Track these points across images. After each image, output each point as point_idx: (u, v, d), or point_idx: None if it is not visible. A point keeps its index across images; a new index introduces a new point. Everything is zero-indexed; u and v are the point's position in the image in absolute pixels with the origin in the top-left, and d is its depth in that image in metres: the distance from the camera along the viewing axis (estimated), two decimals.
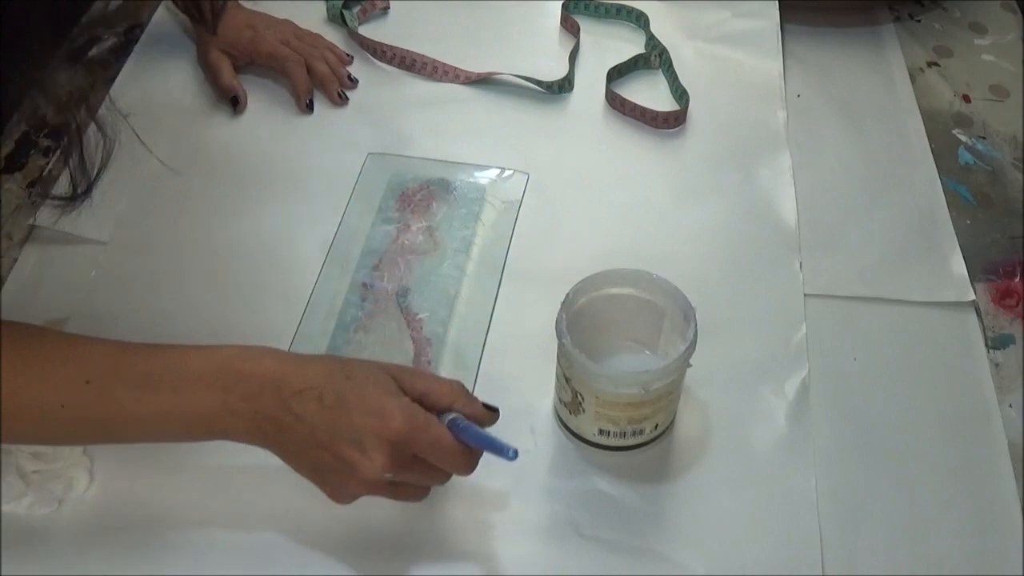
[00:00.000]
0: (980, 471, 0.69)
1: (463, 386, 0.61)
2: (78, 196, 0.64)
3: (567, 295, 0.66)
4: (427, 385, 0.59)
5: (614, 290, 0.68)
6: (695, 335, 0.63)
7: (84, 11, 1.04)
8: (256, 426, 0.57)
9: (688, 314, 0.65)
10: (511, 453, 0.56)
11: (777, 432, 0.70)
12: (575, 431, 0.69)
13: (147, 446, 0.68)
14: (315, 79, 0.93)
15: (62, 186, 0.85)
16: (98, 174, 0.63)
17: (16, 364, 0.56)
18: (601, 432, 0.67)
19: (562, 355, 0.65)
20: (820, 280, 0.79)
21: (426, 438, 0.57)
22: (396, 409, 0.56)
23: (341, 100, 0.93)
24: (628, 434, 0.66)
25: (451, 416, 0.59)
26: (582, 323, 0.66)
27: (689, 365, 0.64)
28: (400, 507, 0.66)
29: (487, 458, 0.68)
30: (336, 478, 0.58)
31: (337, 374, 0.57)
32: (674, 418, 0.70)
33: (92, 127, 0.62)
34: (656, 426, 0.67)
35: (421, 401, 0.58)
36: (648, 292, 0.68)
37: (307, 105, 0.92)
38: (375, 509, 0.66)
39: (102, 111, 0.64)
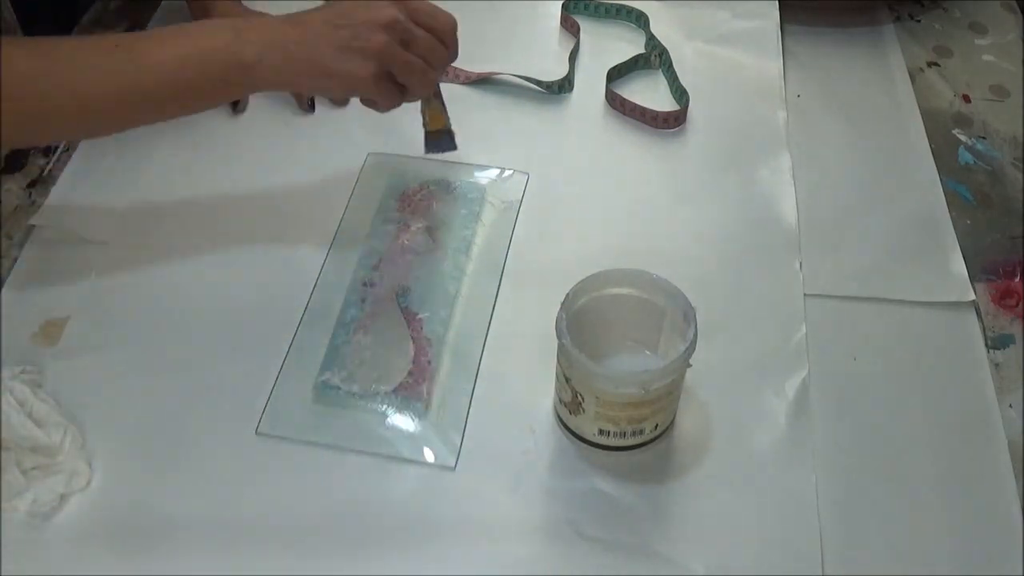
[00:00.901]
0: (980, 471, 0.69)
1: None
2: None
3: (567, 295, 0.66)
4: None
5: (614, 290, 0.68)
6: (695, 335, 0.63)
7: (84, 11, 1.04)
8: (269, 43, 0.67)
9: (688, 314, 0.65)
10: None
11: (777, 432, 0.70)
12: (575, 431, 0.69)
13: (146, 441, 0.69)
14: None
15: (62, 186, 0.85)
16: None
17: (52, 48, 0.65)
18: (601, 432, 0.67)
19: (562, 355, 0.65)
20: (820, 280, 0.79)
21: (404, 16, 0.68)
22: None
23: (340, 101, 0.93)
24: (628, 434, 0.66)
25: None
26: (582, 323, 0.66)
27: (689, 365, 0.64)
28: (400, 506, 0.66)
29: (487, 457, 0.68)
30: (359, 42, 0.67)
31: None
32: (674, 418, 0.70)
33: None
34: (656, 426, 0.67)
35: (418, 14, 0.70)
36: (648, 292, 0.68)
37: (309, 105, 0.92)
38: (375, 509, 0.66)
39: None
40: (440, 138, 0.82)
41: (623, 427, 0.66)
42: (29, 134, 0.70)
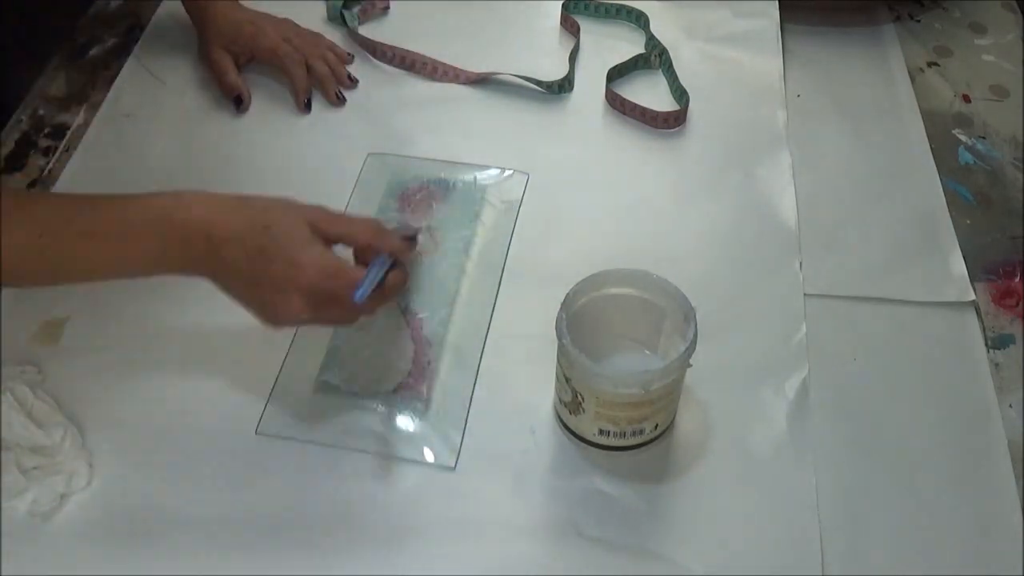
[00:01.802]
0: (980, 471, 0.69)
1: (378, 223, 0.69)
2: None
3: (567, 295, 0.66)
4: (344, 228, 0.66)
5: (614, 290, 0.68)
6: (695, 335, 0.63)
7: (84, 11, 1.04)
8: (191, 268, 0.64)
9: (688, 314, 0.65)
10: (357, 295, 0.63)
11: (777, 432, 0.70)
12: (575, 431, 0.69)
13: (147, 441, 0.69)
14: (314, 78, 0.93)
15: (62, 186, 0.85)
16: None
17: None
18: (601, 432, 0.67)
19: (562, 355, 0.65)
20: (820, 280, 0.79)
21: (333, 285, 0.63)
22: (308, 262, 0.62)
23: (339, 101, 0.93)
24: (628, 434, 0.66)
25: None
26: (582, 323, 0.66)
27: (689, 365, 0.64)
28: (400, 506, 0.66)
29: (487, 457, 0.68)
30: (263, 311, 0.64)
31: (258, 224, 0.63)
32: (674, 418, 0.70)
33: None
34: (656, 426, 0.67)
35: (344, 240, 0.66)
36: (648, 292, 0.68)
37: (305, 104, 0.92)
38: (375, 509, 0.66)
39: None
40: None
41: (623, 427, 0.66)
42: None
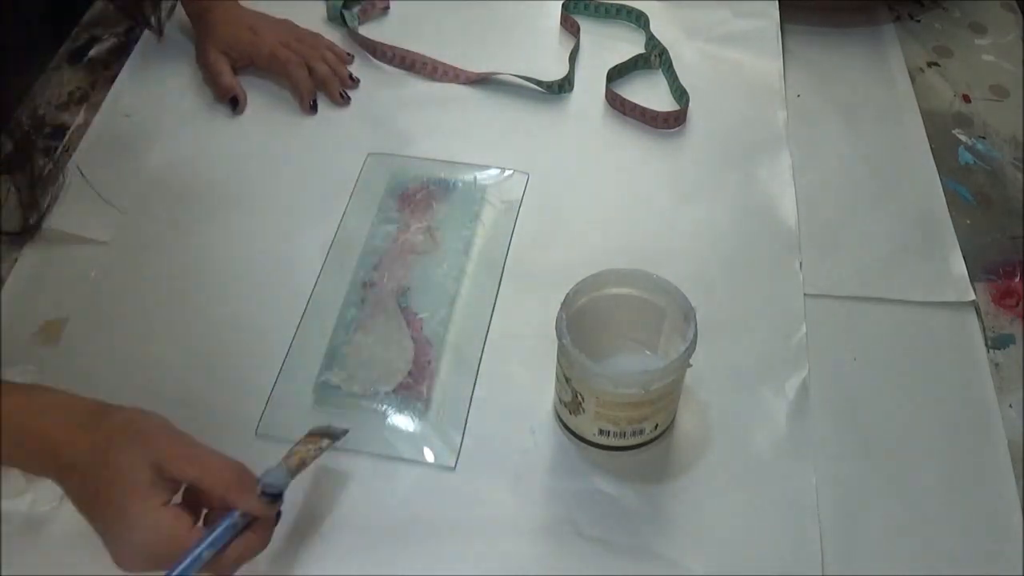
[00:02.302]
0: (980, 471, 0.69)
1: (242, 472, 0.58)
2: (28, 229, 0.65)
3: (567, 295, 0.66)
4: (199, 472, 0.57)
5: (614, 290, 0.68)
6: (695, 335, 0.63)
7: (84, 11, 1.04)
8: (47, 477, 0.58)
9: (688, 314, 0.65)
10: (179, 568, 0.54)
11: (777, 432, 0.70)
12: (575, 431, 0.69)
13: None
14: (316, 80, 0.93)
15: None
16: (47, 209, 0.65)
17: None
18: (601, 432, 0.67)
19: (562, 355, 0.65)
20: (820, 280, 0.79)
21: (167, 551, 0.55)
22: (137, 519, 0.55)
23: (343, 100, 0.93)
24: (628, 434, 0.66)
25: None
26: (582, 323, 0.66)
27: (689, 365, 0.64)
28: (400, 506, 0.66)
29: (487, 457, 0.68)
30: (107, 547, 0.57)
31: (98, 459, 0.56)
32: (674, 418, 0.70)
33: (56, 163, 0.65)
34: (656, 426, 0.67)
35: (195, 485, 0.57)
36: (648, 292, 0.68)
37: (311, 106, 0.92)
38: (375, 509, 0.66)
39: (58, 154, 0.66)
40: None
41: (623, 427, 0.66)
42: None
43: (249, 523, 0.58)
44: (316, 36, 0.97)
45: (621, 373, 0.65)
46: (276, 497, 0.58)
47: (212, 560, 0.56)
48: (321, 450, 0.63)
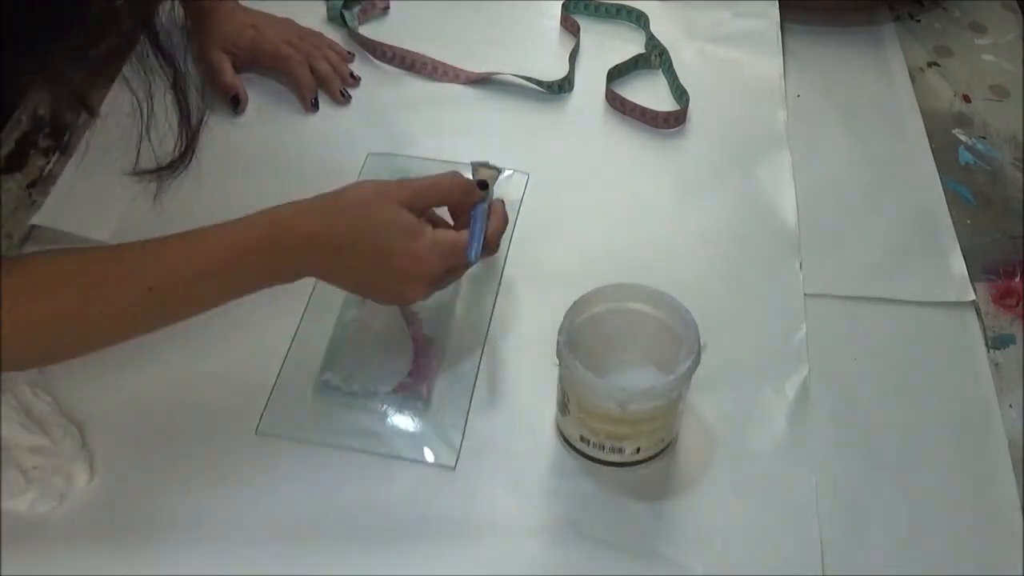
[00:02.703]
0: (980, 471, 0.69)
1: (460, 177, 0.70)
2: (184, 156, 0.70)
3: (582, 296, 0.65)
4: (435, 193, 0.69)
5: (636, 306, 0.67)
6: (689, 368, 0.62)
7: (84, 11, 1.04)
8: (307, 274, 0.67)
9: (691, 347, 0.63)
10: (471, 257, 0.67)
11: (777, 432, 0.70)
12: (562, 431, 0.68)
13: (147, 441, 0.69)
14: (318, 78, 0.93)
15: (62, 186, 0.85)
16: (196, 134, 0.69)
17: (84, 287, 0.61)
18: (583, 439, 0.66)
19: (558, 351, 0.65)
20: (820, 280, 0.79)
21: (453, 261, 0.67)
22: (426, 250, 0.65)
23: (344, 99, 0.93)
24: (607, 449, 0.66)
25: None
26: (600, 331, 0.65)
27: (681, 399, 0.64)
28: (400, 506, 0.66)
29: (487, 457, 0.68)
30: (386, 298, 0.69)
31: (365, 228, 0.65)
32: (666, 447, 0.68)
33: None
34: (638, 449, 0.66)
35: (440, 203, 0.70)
36: (668, 316, 0.66)
37: (312, 104, 0.92)
38: (375, 509, 0.66)
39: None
40: None
41: (601, 440, 0.65)
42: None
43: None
44: (318, 35, 0.97)
45: (598, 383, 0.63)
46: (486, 184, 0.72)
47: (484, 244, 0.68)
48: (498, 170, 0.75)
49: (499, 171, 0.74)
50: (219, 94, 0.93)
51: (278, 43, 0.94)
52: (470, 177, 0.72)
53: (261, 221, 0.64)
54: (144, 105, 0.67)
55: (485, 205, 0.70)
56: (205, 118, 0.69)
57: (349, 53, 0.97)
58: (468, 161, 0.87)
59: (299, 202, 0.65)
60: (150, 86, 0.67)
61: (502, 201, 0.73)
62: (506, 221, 0.72)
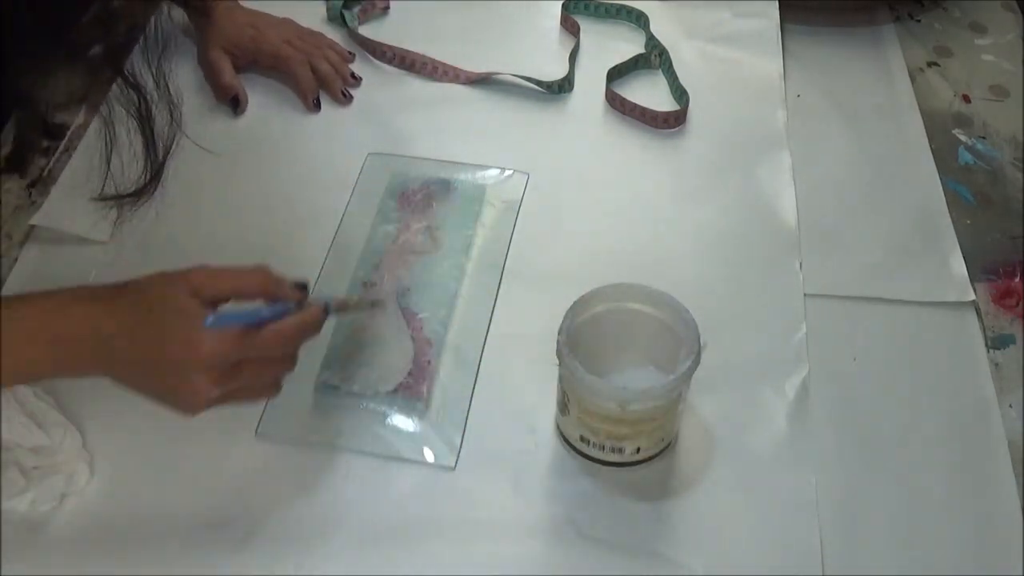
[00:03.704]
0: (980, 471, 0.69)
1: (267, 271, 0.62)
2: (148, 185, 0.68)
3: (582, 296, 0.65)
4: (231, 282, 0.62)
5: (636, 306, 0.67)
6: (689, 368, 0.62)
7: (84, 11, 1.04)
8: (89, 370, 0.60)
9: (691, 347, 0.63)
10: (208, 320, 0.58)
11: (777, 432, 0.70)
12: (563, 431, 0.69)
13: (147, 441, 0.69)
14: (319, 78, 0.94)
15: (62, 186, 0.85)
16: (164, 159, 0.66)
17: None
18: (583, 439, 0.66)
19: (557, 351, 0.65)
20: (820, 280, 0.79)
21: (240, 351, 0.59)
22: (203, 336, 0.58)
23: (345, 99, 0.93)
24: (607, 449, 0.66)
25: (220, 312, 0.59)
26: (600, 331, 0.65)
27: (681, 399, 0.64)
28: (400, 506, 0.66)
29: (487, 457, 0.68)
30: (171, 401, 0.60)
31: (142, 309, 0.59)
32: (666, 447, 0.68)
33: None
34: (638, 449, 0.66)
35: (235, 294, 0.61)
36: (669, 317, 0.66)
37: (314, 103, 0.92)
38: (375, 509, 0.66)
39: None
40: None
41: (602, 440, 0.65)
42: None
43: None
44: (318, 35, 0.97)
45: (599, 383, 0.63)
46: (304, 287, 0.63)
47: (273, 329, 0.60)
48: (364, 302, 0.73)
49: (366, 305, 0.72)
50: (219, 94, 0.93)
51: (278, 43, 0.94)
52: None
53: (38, 302, 0.59)
54: (108, 131, 0.64)
55: (290, 307, 0.61)
56: (174, 147, 0.66)
57: (350, 53, 0.97)
58: (468, 162, 0.87)
59: (84, 288, 0.61)
60: (111, 112, 0.65)
61: (320, 316, 0.64)
62: (316, 329, 0.63)
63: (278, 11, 0.98)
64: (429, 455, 0.69)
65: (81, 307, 0.59)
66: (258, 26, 0.95)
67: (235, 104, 0.92)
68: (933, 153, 0.89)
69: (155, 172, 0.66)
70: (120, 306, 0.59)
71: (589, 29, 1.01)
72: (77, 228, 0.82)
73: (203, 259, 0.81)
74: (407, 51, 0.97)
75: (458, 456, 0.68)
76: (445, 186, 0.85)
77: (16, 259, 0.80)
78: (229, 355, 0.58)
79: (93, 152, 0.88)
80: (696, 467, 0.68)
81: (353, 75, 0.95)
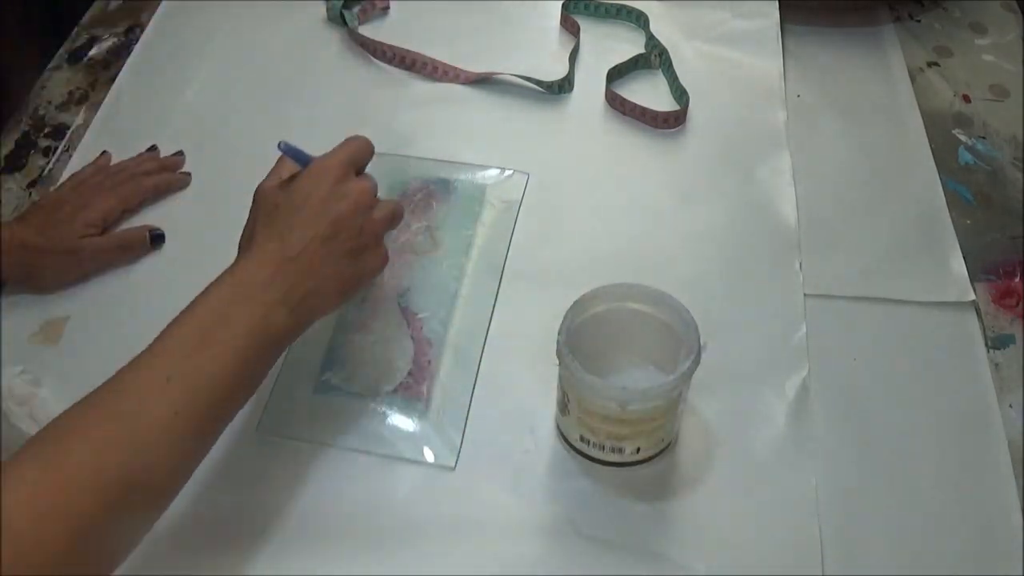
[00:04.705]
0: (980, 471, 0.69)
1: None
2: None
3: (582, 296, 0.65)
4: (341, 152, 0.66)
5: (636, 306, 0.67)
6: (689, 368, 0.62)
7: (84, 11, 1.04)
8: (287, 299, 0.60)
9: (691, 347, 0.63)
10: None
11: (777, 432, 0.70)
12: (563, 431, 0.69)
13: None
14: (148, 192, 0.85)
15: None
16: None
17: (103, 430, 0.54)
18: (583, 439, 0.66)
19: (558, 351, 0.65)
20: (820, 280, 0.79)
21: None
22: (349, 192, 0.64)
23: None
24: (607, 449, 0.66)
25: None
26: (600, 331, 0.65)
27: (682, 400, 0.64)
28: (400, 506, 0.66)
29: (487, 457, 0.68)
30: (361, 240, 0.64)
31: (313, 214, 0.62)
32: (666, 447, 0.68)
33: None
34: (638, 449, 0.66)
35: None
36: (666, 315, 0.66)
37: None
38: (375, 509, 0.66)
39: None
40: None
41: (602, 440, 0.65)
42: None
43: None
44: (134, 161, 0.87)
45: (599, 383, 0.62)
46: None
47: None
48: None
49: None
50: (136, 244, 0.81)
51: (70, 239, 0.78)
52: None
53: (225, 276, 0.61)
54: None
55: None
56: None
57: (179, 152, 0.89)
58: (468, 162, 0.87)
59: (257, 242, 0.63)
60: None
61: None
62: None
63: (278, 11, 0.98)
64: (429, 455, 0.69)
65: (261, 252, 0.62)
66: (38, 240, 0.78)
67: (159, 240, 0.82)
68: (933, 153, 0.89)
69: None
70: (301, 222, 0.62)
71: (589, 29, 1.01)
72: None
73: (204, 257, 0.82)
74: (407, 51, 0.97)
75: (458, 456, 0.68)
76: (445, 186, 0.85)
77: None
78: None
79: (93, 152, 0.88)
80: (696, 467, 0.68)
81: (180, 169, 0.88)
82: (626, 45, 0.99)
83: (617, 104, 0.93)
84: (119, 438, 0.53)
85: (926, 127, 0.92)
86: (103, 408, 0.54)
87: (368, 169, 0.87)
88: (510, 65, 0.95)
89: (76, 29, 1.02)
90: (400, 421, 0.70)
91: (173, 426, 0.54)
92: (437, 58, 0.96)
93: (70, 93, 0.95)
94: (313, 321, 0.63)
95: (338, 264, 0.62)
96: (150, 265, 0.80)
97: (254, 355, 0.59)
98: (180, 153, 0.88)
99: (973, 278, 0.79)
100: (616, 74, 0.96)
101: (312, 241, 0.62)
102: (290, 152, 0.66)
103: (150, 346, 0.58)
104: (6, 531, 0.46)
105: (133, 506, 0.53)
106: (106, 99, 0.94)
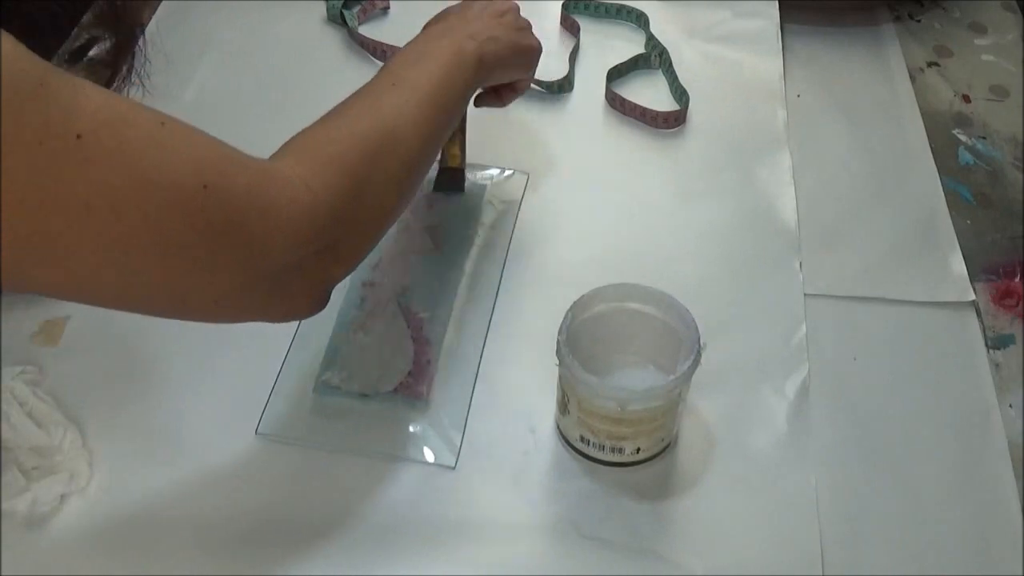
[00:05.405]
0: (980, 471, 0.69)
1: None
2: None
3: (582, 296, 0.65)
4: None
5: (636, 306, 0.67)
6: (689, 368, 0.62)
7: (84, 11, 1.04)
8: (476, 35, 0.72)
9: (691, 347, 0.63)
10: None
11: (777, 432, 0.70)
12: (563, 431, 0.68)
13: (147, 441, 0.69)
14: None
15: None
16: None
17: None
18: (583, 439, 0.66)
19: (557, 351, 0.65)
20: (820, 280, 0.79)
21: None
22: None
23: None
24: (607, 449, 0.66)
25: None
26: (600, 331, 0.65)
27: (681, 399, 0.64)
28: (400, 506, 0.66)
29: (487, 457, 0.68)
30: (519, 21, 0.78)
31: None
32: (666, 447, 0.68)
33: None
34: (638, 450, 0.66)
35: None
36: (669, 316, 0.66)
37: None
38: (375, 509, 0.66)
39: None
40: (454, 177, 0.83)
41: (602, 440, 0.65)
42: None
43: None
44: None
45: (599, 383, 0.62)
46: None
47: None
48: None
49: None
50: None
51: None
52: None
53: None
54: None
55: None
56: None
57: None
58: (468, 161, 0.87)
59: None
60: None
61: None
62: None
63: (278, 11, 0.98)
64: (429, 455, 0.69)
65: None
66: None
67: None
68: (933, 153, 0.89)
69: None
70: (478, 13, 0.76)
71: (589, 29, 1.01)
72: None
73: None
74: None
75: (458, 456, 0.68)
76: None
77: None
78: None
79: None
80: (696, 467, 0.68)
81: None
82: (626, 45, 0.99)
83: (617, 104, 0.93)
84: (367, 113, 0.65)
85: (926, 127, 0.92)
86: (344, 104, 0.67)
87: None
88: None
89: (76, 29, 1.01)
90: (400, 421, 0.70)
91: (401, 112, 0.65)
92: None
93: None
94: (492, 69, 0.73)
95: (507, 30, 0.75)
96: None
97: (453, 70, 0.70)
98: None
99: (973, 278, 0.79)
100: (616, 74, 0.96)
101: (486, 10, 0.76)
102: None
103: (381, 68, 0.72)
104: (297, 182, 0.58)
105: (388, 158, 0.63)
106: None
